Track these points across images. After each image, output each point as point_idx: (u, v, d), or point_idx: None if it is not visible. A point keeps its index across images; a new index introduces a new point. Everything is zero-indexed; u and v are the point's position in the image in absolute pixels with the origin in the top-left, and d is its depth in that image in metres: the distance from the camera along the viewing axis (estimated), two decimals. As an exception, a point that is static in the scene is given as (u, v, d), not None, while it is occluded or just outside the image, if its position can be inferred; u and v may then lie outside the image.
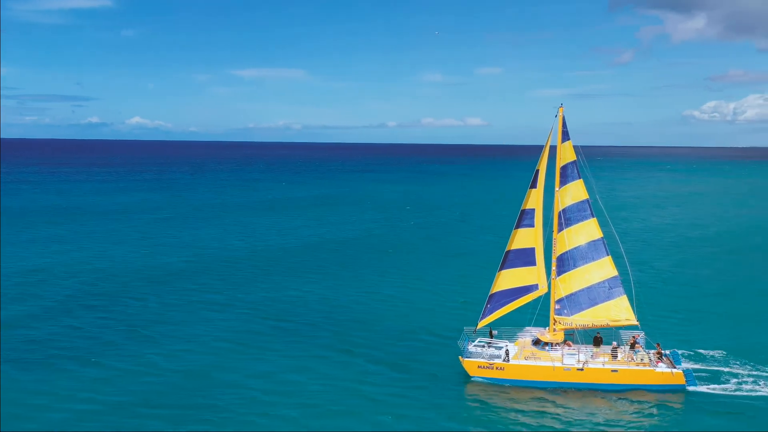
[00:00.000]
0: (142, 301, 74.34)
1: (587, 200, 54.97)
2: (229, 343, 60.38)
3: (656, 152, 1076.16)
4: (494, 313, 56.28)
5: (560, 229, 54.97)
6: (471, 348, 54.25)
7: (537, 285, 56.36)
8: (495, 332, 57.10)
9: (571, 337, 55.47)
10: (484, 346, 54.51)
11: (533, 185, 55.04)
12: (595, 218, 55.02)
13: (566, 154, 54.66)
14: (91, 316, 68.48)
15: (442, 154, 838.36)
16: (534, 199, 55.26)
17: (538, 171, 54.81)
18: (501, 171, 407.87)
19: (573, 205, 54.92)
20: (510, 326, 57.18)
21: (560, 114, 54.26)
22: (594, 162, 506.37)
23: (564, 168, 54.76)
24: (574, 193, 54.86)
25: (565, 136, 54.53)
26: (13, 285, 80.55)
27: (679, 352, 55.01)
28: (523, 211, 55.52)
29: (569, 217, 54.88)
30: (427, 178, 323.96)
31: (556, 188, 54.81)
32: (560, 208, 54.86)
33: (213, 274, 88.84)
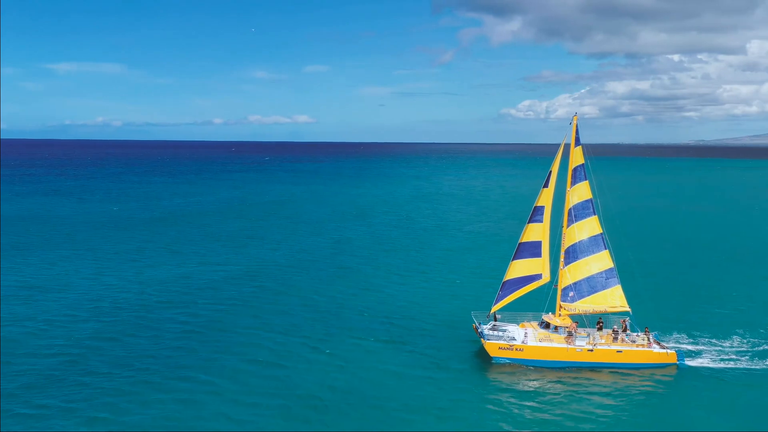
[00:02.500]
0: (220, 308, 73.58)
1: (591, 200, 61.46)
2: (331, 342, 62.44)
3: (478, 149, 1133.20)
4: (505, 299, 61.95)
5: (569, 225, 61.14)
6: (486, 331, 59.24)
7: (541, 274, 62.36)
8: (499, 316, 62.54)
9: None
10: (491, 329, 59.80)
11: (545, 185, 60.88)
12: (596, 216, 61.59)
13: (577, 158, 60.81)
14: (211, 323, 67.73)
15: (289, 152, 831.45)
16: (545, 198, 61.11)
17: (551, 172, 60.64)
18: (384, 168, 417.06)
19: (579, 203, 61.21)
20: (511, 311, 62.83)
21: (574, 122, 60.39)
22: (442, 159, 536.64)
23: (575, 170, 60.94)
24: (580, 192, 61.15)
25: (577, 141, 60.65)
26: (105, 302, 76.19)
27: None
28: (535, 207, 61.40)
29: (576, 214, 61.13)
30: (319, 178, 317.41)
31: (568, 188, 60.88)
32: (570, 206, 60.98)
33: (273, 277, 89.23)
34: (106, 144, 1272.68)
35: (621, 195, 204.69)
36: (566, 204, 61.20)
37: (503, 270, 63.36)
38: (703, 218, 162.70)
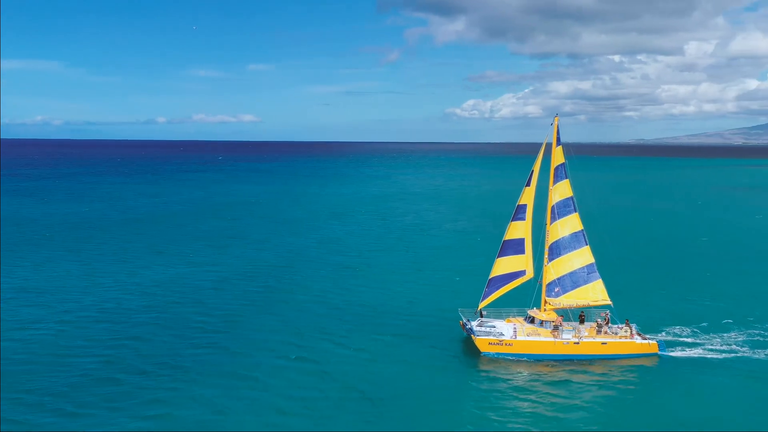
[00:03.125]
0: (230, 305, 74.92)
1: (571, 197, 63.81)
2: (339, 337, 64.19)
3: (426, 148, 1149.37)
4: (491, 296, 63.99)
5: (552, 222, 63.40)
6: (476, 327, 61.06)
7: (525, 271, 64.48)
8: (485, 313, 64.43)
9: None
10: (479, 325, 61.72)
11: (528, 183, 63.08)
12: (577, 213, 63.98)
13: (558, 157, 63.08)
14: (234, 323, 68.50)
15: (241, 151, 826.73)
16: (527, 196, 63.27)
17: (533, 171, 62.80)
18: (341, 168, 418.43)
19: (561, 201, 63.49)
20: (496, 307, 64.81)
21: (555, 123, 62.67)
22: (396, 159, 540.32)
23: (556, 169, 63.21)
24: (561, 190, 63.47)
25: (558, 141, 62.93)
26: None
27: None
28: (518, 206, 63.50)
29: (558, 212, 63.41)
30: (280, 177, 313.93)
31: (550, 186, 63.17)
32: (552, 203, 63.26)
33: (272, 277, 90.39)
34: (49, 143, 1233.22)
35: (589, 192, 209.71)
36: (549, 201, 63.45)
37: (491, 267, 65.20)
38: (668, 214, 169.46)
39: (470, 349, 60.33)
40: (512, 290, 64.76)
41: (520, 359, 58.83)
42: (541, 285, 63.86)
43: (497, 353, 59.19)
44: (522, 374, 55.82)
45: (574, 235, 63.99)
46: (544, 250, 63.86)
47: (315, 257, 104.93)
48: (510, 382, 54.13)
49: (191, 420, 45.51)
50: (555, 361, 58.78)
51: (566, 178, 63.66)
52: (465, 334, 63.24)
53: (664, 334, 65.13)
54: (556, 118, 63.02)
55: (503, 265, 64.02)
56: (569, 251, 63.84)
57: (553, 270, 63.40)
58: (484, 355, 59.13)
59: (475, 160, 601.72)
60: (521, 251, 64.20)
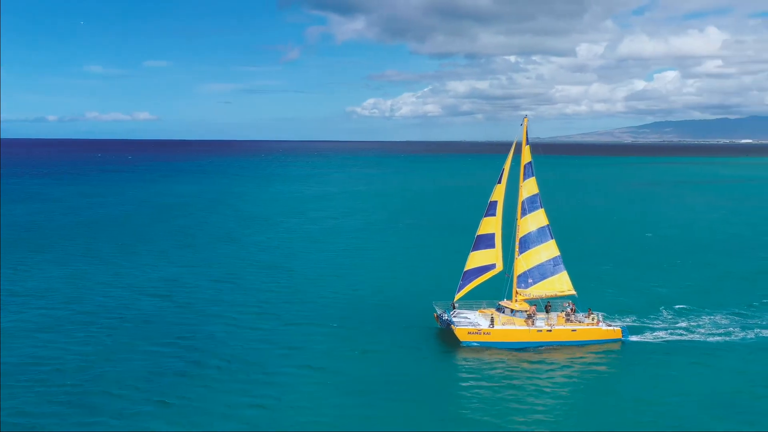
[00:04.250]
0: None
1: (538, 194, 67.59)
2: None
3: (333, 146, 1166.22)
4: (465, 288, 67.03)
5: (522, 216, 67.01)
6: (454, 318, 63.97)
7: (495, 264, 67.84)
8: (457, 305, 67.40)
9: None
10: (455, 315, 64.80)
11: (499, 181, 66.46)
12: (543, 209, 67.82)
13: (527, 156, 66.76)
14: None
15: (146, 150, 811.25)
16: (498, 193, 66.67)
17: (504, 169, 66.25)
18: (267, 168, 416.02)
19: (529, 197, 67.18)
20: (466, 299, 67.92)
21: (525, 123, 66.35)
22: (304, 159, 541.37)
23: (526, 166, 66.88)
24: (529, 187, 67.18)
25: (527, 141, 66.60)
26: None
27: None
28: (490, 202, 66.84)
29: (527, 207, 67.09)
30: (209, 177, 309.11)
31: (521, 182, 66.80)
32: (522, 198, 66.90)
33: (270, 276, 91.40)
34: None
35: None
36: (519, 196, 67.05)
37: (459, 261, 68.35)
38: (601, 210, 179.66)
39: (448, 340, 63.01)
40: (481, 283, 68.00)
41: (497, 347, 62.03)
42: (510, 277, 67.31)
43: (476, 342, 62.20)
44: (500, 361, 58.95)
45: (541, 230, 67.80)
46: (513, 245, 67.39)
47: (296, 255, 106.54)
48: (490, 368, 57.29)
49: (290, 408, 47.41)
50: (530, 347, 62.34)
51: (533, 175, 67.38)
52: (439, 326, 66.02)
53: (626, 319, 69.95)
54: (525, 119, 66.73)
55: (477, 259, 67.16)
56: (537, 245, 67.58)
57: (524, 262, 67.00)
58: (464, 344, 62.01)
59: (387, 159, 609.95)
60: (492, 245, 67.50)
